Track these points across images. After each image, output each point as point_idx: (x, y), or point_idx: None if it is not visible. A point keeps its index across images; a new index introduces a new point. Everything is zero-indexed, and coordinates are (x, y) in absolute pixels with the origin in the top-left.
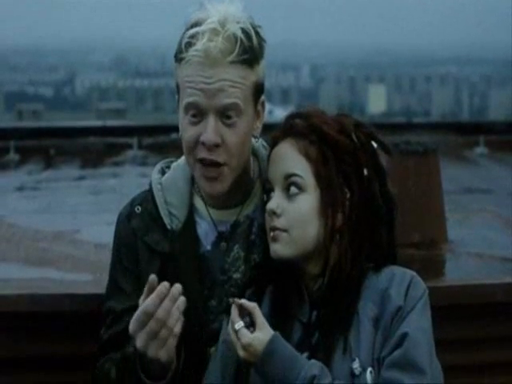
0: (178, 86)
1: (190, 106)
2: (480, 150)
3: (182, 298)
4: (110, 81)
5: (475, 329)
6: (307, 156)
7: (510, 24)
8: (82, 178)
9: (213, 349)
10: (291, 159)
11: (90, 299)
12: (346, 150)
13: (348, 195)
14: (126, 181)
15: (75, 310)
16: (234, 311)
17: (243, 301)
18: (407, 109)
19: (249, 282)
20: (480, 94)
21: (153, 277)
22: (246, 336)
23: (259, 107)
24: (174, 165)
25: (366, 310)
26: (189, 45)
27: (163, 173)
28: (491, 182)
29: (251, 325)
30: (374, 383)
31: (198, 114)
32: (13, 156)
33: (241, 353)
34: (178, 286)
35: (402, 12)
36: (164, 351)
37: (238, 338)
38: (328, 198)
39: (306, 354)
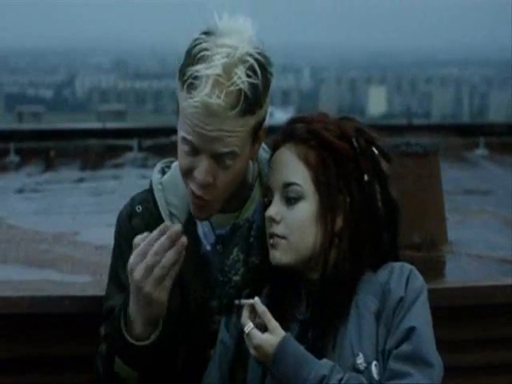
0: (178, 101)
1: (185, 142)
2: (480, 151)
3: (182, 241)
4: (110, 82)
5: (474, 330)
6: (306, 162)
7: (510, 25)
8: (81, 179)
9: (213, 350)
10: (290, 166)
11: (90, 301)
12: (346, 155)
13: (348, 199)
14: (125, 183)
15: (75, 311)
16: (245, 313)
17: (256, 303)
18: (407, 110)
19: (246, 283)
20: (480, 96)
21: (168, 223)
22: (256, 337)
23: (260, 133)
24: (174, 165)
25: (367, 302)
26: (191, 87)
27: (163, 173)
28: (491, 184)
29: (262, 325)
30: (379, 376)
31: (192, 149)
32: (13, 158)
33: (252, 352)
34: (178, 227)
35: (403, 14)
36: (159, 290)
37: (249, 339)
38: (327, 203)
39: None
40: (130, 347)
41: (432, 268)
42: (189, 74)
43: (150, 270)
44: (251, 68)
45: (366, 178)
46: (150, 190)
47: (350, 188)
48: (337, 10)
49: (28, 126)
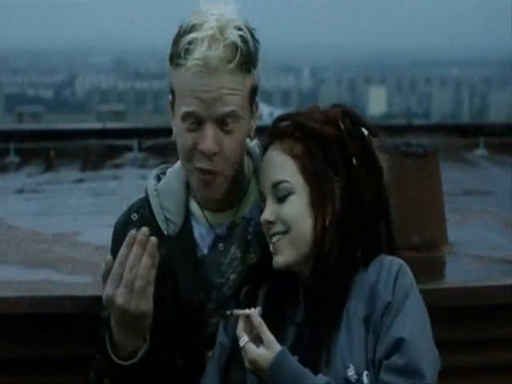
0: (172, 90)
1: (188, 115)
2: (480, 151)
3: (152, 240)
4: (110, 83)
5: (474, 330)
6: (292, 154)
7: (510, 26)
8: (82, 180)
9: (210, 353)
10: (277, 164)
11: (91, 301)
12: (332, 139)
13: (338, 183)
14: (126, 183)
15: (75, 311)
16: (241, 324)
17: (251, 315)
18: (407, 110)
19: (244, 282)
20: (480, 96)
21: (132, 232)
22: (251, 351)
23: (253, 108)
24: (169, 170)
25: (357, 310)
26: (187, 52)
27: (159, 179)
28: (491, 184)
29: (258, 337)
30: None
31: (195, 122)
32: (13, 158)
33: (248, 366)
34: (144, 230)
35: (402, 14)
36: (144, 301)
37: (244, 353)
38: (318, 192)
39: (296, 358)
40: (118, 367)
41: (432, 269)
42: (184, 42)
43: (130, 287)
44: (239, 27)
45: (354, 161)
46: (146, 197)
47: (338, 173)
48: (337, 9)
49: (28, 126)
